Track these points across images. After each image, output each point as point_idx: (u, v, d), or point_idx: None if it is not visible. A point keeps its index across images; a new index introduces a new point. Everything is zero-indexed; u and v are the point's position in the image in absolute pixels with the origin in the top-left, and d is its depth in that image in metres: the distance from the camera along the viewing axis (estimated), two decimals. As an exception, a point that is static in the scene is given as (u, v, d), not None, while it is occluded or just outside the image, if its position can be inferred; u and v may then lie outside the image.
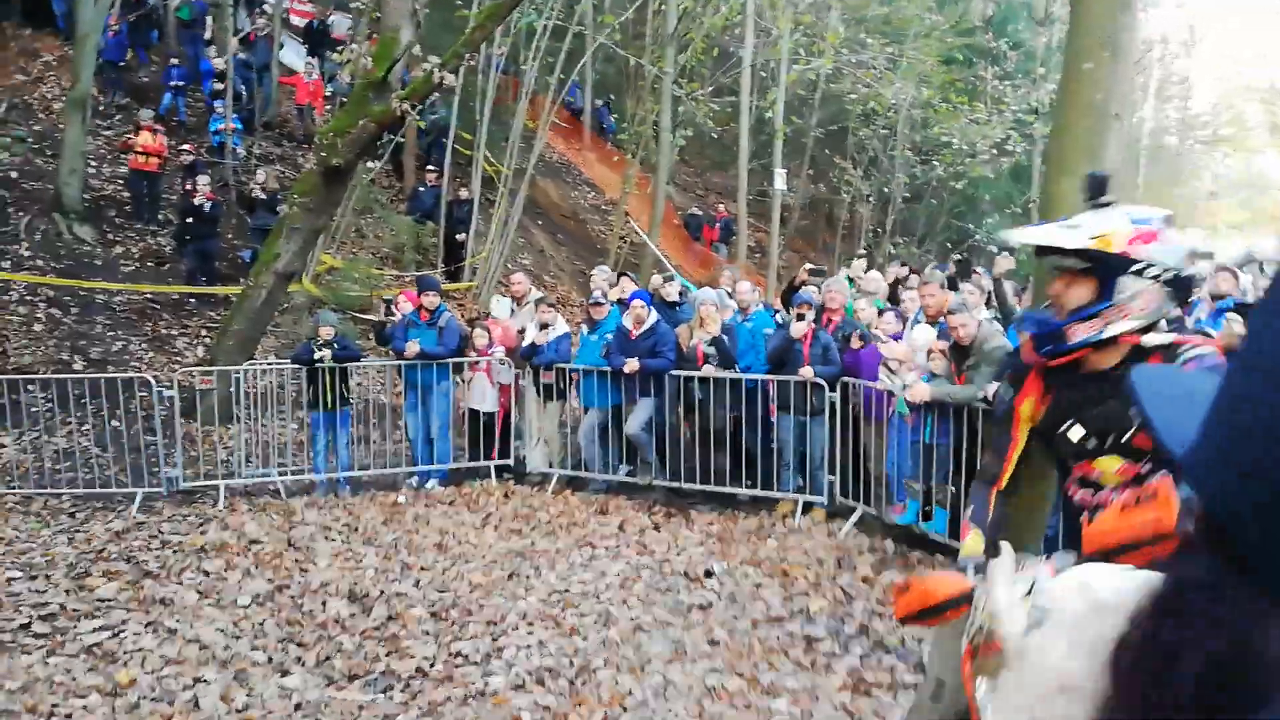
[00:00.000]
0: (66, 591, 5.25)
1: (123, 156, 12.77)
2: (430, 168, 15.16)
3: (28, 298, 10.37)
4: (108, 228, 12.18)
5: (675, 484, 7.50)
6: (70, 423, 8.06)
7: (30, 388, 7.97)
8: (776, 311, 8.53)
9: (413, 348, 7.83)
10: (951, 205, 21.94)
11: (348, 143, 9.05)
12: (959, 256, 19.61)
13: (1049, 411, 2.27)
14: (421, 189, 14.93)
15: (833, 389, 6.78)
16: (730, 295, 8.39)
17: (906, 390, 6.12)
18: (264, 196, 12.06)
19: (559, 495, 7.58)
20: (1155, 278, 2.10)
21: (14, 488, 7.36)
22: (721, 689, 4.21)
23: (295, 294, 11.26)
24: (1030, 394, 2.30)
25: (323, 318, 8.24)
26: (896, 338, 6.85)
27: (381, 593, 5.37)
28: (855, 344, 6.95)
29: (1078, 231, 2.17)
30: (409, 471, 8.09)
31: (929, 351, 6.26)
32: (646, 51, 17.65)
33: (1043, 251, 2.28)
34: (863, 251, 16.93)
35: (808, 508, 6.96)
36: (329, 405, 7.72)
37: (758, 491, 7.16)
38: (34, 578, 5.42)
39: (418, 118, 12.74)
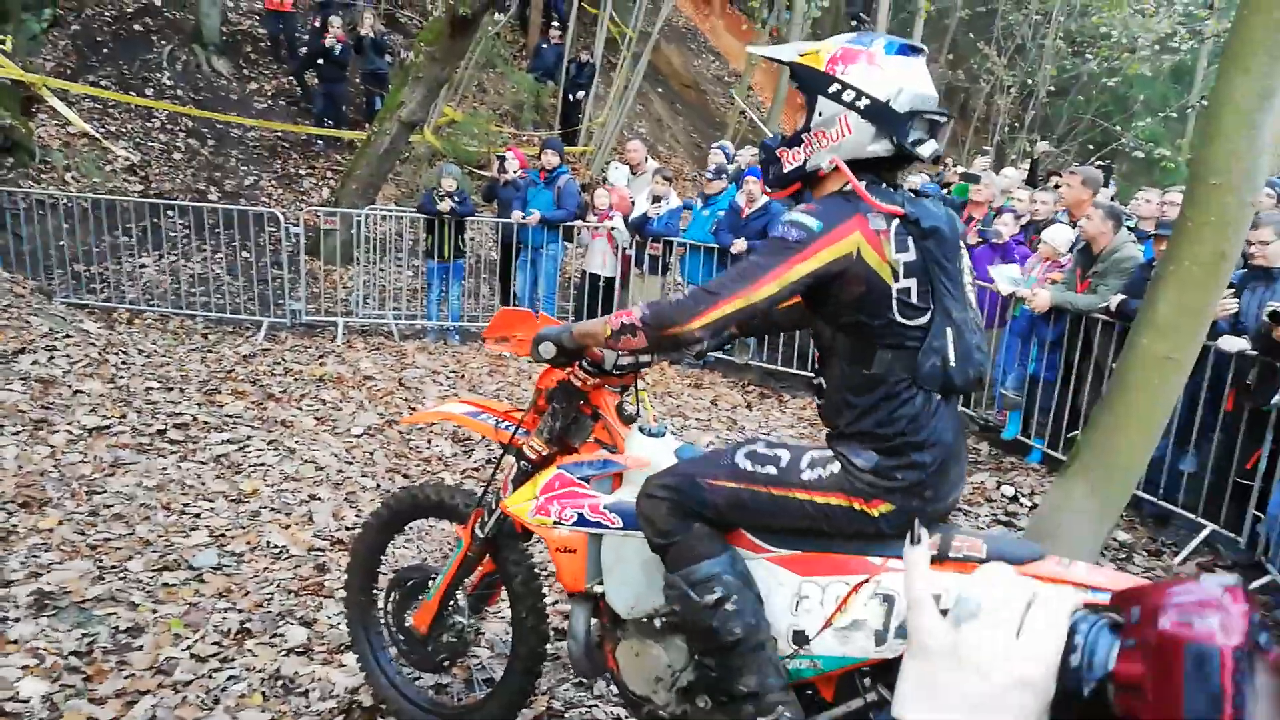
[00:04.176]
0: (198, 405, 5.67)
1: (259, -8, 12.94)
2: (555, 25, 14.87)
3: (168, 126, 10.83)
4: (244, 63, 12.48)
5: (771, 365, 7.52)
6: (205, 250, 8.53)
7: (170, 213, 8.43)
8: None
9: (534, 217, 7.89)
10: (1100, 104, 20.41)
11: (477, -8, 8.91)
12: (1101, 161, 18.39)
13: None
14: (544, 46, 14.70)
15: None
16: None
17: (1027, 293, 5.91)
18: (371, 37, 12.05)
19: (655, 365, 7.69)
20: (850, 104, 1.89)
21: (154, 306, 7.91)
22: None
23: (416, 144, 11.42)
24: None
25: (445, 169, 8.37)
26: (1018, 240, 6.57)
27: (482, 437, 5.63)
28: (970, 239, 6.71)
29: (800, 46, 2.03)
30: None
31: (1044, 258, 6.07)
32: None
33: (765, 57, 2.16)
34: (988, 148, 16.02)
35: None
36: (445, 256, 7.94)
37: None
38: (169, 390, 5.87)
39: (547, -30, 12.42)
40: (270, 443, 5.23)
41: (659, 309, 1.93)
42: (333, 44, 11.44)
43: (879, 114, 1.88)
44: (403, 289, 8.46)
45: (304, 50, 11.90)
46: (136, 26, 11.61)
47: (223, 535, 4.08)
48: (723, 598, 2.00)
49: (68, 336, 6.15)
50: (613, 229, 8.01)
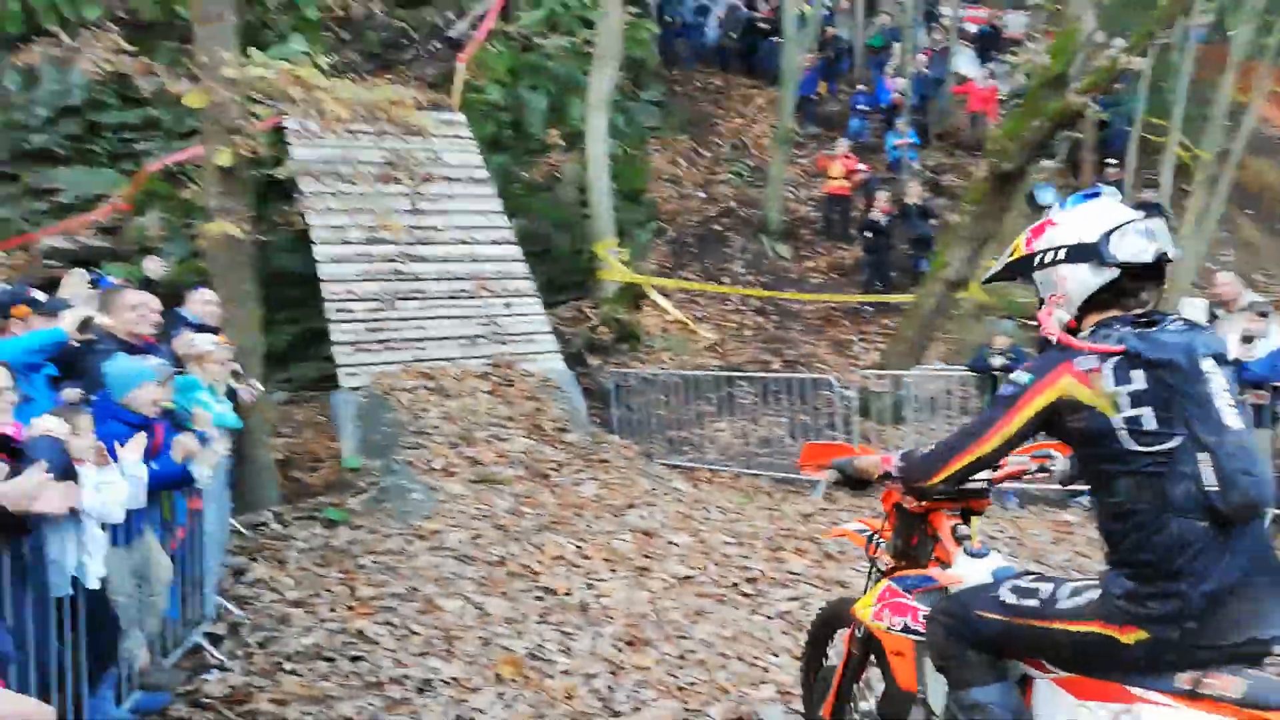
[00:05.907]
0: (765, 560, 6.15)
1: (815, 180, 14.44)
2: (1110, 161, 13.99)
3: (740, 307, 12.43)
4: (800, 245, 13.91)
5: None
6: (769, 414, 9.44)
7: (740, 383, 9.56)
8: None
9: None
10: None
11: (1020, 145, 8.87)
12: None
13: None
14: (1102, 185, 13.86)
15: None
16: None
17: None
18: (918, 204, 12.69)
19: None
20: (1055, 261, 2.16)
21: (728, 466, 8.90)
22: None
23: (963, 299, 11.43)
24: None
25: (999, 326, 8.26)
26: None
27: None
28: None
29: (1006, 250, 2.39)
30: (1077, 490, 7.62)
31: None
32: None
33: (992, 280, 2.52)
34: None
35: None
36: (996, 413, 7.69)
37: None
38: (741, 544, 6.47)
39: (1099, 109, 11.86)
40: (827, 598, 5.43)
41: (909, 463, 2.43)
42: (878, 216, 12.20)
43: (1078, 252, 2.13)
44: (954, 448, 8.34)
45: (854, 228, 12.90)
46: (715, 226, 13.70)
47: (788, 693, 4.30)
48: None
49: (664, 493, 7.20)
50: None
